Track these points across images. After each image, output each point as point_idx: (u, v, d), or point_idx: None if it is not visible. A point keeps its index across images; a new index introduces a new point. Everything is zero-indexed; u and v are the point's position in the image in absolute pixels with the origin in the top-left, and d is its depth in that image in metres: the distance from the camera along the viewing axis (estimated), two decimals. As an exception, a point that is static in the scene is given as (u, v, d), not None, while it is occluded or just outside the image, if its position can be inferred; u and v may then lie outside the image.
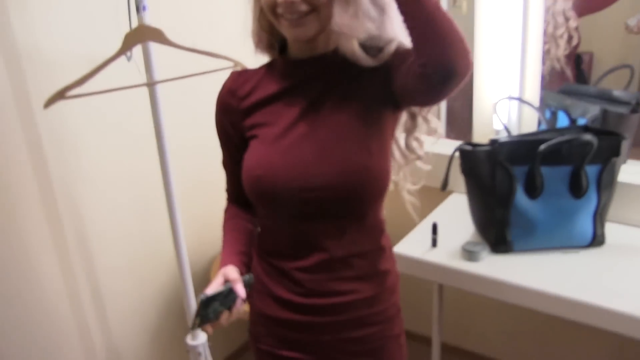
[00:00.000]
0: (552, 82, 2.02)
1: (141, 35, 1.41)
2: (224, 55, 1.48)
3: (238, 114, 1.11)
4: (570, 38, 2.16)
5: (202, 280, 2.08)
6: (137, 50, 1.44)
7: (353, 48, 1.00)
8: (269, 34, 1.08)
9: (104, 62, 1.38)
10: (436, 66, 0.86)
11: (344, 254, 1.07)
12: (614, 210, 1.57)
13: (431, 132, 1.17)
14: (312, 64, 1.06)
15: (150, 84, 1.48)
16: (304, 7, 0.96)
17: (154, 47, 1.45)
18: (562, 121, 1.76)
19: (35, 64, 1.53)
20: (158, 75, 1.48)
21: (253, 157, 1.07)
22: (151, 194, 1.83)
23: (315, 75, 1.06)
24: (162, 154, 1.55)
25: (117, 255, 1.84)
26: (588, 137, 1.38)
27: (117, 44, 1.39)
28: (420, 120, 1.15)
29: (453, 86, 0.88)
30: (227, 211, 1.22)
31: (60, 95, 1.35)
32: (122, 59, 1.41)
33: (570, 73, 2.15)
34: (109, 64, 1.38)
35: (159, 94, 1.50)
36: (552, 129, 1.61)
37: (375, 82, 1.04)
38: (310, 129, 1.04)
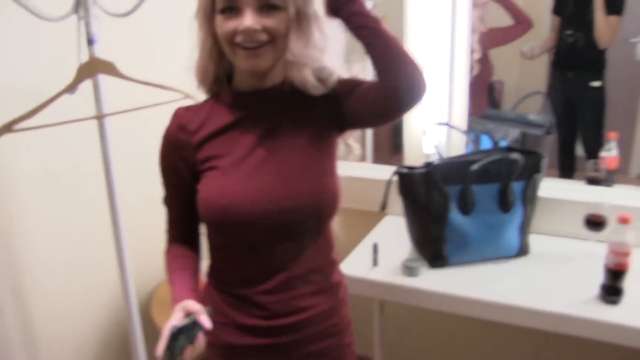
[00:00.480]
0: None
1: (94, 68, 1.44)
2: (174, 87, 1.52)
3: (189, 149, 1.11)
4: (471, 69, 2.36)
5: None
6: (85, 83, 1.46)
7: (305, 77, 1.08)
8: (217, 66, 1.11)
9: (55, 94, 1.40)
10: (408, 86, 1.02)
11: (303, 271, 1.13)
12: (536, 222, 1.73)
13: (352, 156, 1.27)
14: (263, 95, 1.11)
15: (100, 117, 1.50)
16: (263, 37, 1.01)
17: (103, 79, 1.48)
18: (485, 144, 1.93)
19: None
20: (107, 108, 1.50)
21: (214, 187, 1.08)
22: (97, 226, 1.82)
23: (266, 106, 1.11)
24: (110, 184, 1.56)
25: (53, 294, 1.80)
26: (514, 155, 1.54)
27: (63, 78, 1.41)
28: (342, 146, 1.22)
29: (420, 100, 1.04)
30: (169, 251, 1.19)
31: (7, 128, 1.34)
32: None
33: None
34: (60, 96, 1.40)
35: (108, 127, 1.52)
36: (479, 151, 1.77)
37: (322, 108, 1.12)
38: (268, 154, 1.09)
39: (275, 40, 1.02)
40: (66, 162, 1.76)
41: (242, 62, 1.04)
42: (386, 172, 1.75)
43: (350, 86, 1.11)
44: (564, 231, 1.79)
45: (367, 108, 1.09)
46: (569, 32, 2.43)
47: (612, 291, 1.41)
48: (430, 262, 1.66)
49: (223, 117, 1.12)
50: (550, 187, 1.79)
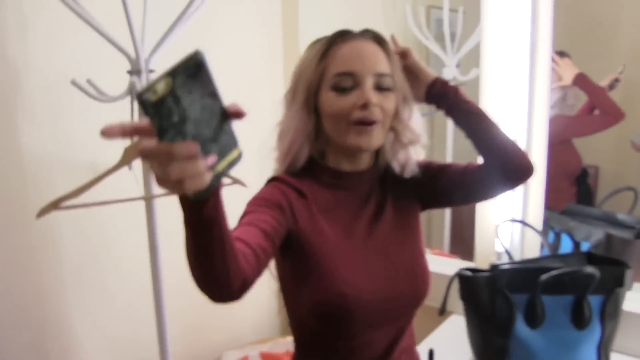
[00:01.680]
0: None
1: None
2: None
3: (299, 209, 1.03)
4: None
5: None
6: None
7: (410, 157, 1.12)
8: (311, 146, 1.07)
9: (101, 174, 1.39)
10: (517, 166, 1.10)
11: (399, 354, 1.12)
12: (619, 339, 1.52)
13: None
14: (361, 176, 1.11)
15: (148, 198, 1.50)
16: (380, 115, 1.02)
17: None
18: (566, 244, 1.76)
19: (38, 167, 1.57)
20: (156, 190, 1.48)
21: (331, 275, 1.00)
22: (140, 306, 1.80)
23: (366, 187, 1.12)
24: (155, 267, 1.53)
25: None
26: (590, 270, 1.37)
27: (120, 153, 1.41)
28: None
29: (526, 179, 1.13)
30: None
31: (54, 205, 1.35)
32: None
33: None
34: (106, 177, 1.39)
35: (157, 207, 1.51)
36: (554, 255, 1.60)
37: (409, 188, 1.15)
38: (375, 238, 1.09)
39: (385, 121, 1.04)
40: (112, 240, 1.78)
41: (354, 140, 1.02)
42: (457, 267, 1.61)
43: (435, 166, 1.16)
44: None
45: (464, 188, 1.14)
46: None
47: None
48: (491, 376, 1.49)
49: (324, 196, 1.08)
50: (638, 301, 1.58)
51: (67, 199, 1.35)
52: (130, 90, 1.41)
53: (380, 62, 1.03)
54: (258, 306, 2.17)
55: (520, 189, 1.76)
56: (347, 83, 1.01)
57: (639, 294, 1.60)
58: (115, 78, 1.45)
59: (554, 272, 1.38)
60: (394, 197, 1.14)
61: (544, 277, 1.40)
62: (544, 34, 1.66)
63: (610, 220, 1.74)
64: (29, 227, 1.56)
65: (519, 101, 1.71)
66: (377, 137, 1.03)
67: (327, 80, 1.02)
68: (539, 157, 1.72)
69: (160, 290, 1.53)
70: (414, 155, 1.12)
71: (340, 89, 1.01)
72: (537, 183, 1.73)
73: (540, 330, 1.44)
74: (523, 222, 1.74)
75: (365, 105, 0.99)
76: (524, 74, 1.70)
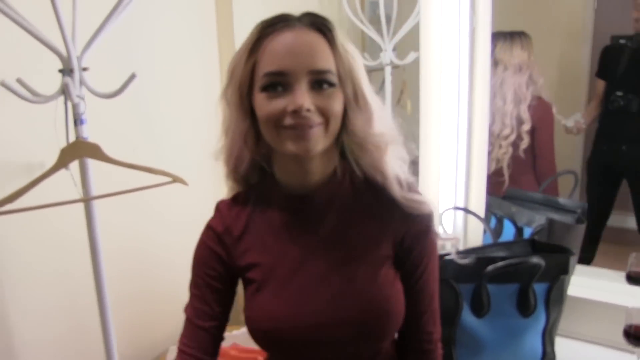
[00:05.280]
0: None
1: (77, 151, 1.36)
2: (163, 170, 1.43)
3: (233, 255, 1.03)
4: (520, 140, 2.20)
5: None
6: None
7: (384, 164, 0.96)
8: (253, 153, 0.99)
9: (37, 177, 1.32)
10: None
11: None
12: (565, 323, 1.54)
13: None
14: (313, 196, 0.99)
15: (87, 200, 1.42)
16: (317, 119, 0.89)
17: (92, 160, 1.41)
18: (508, 229, 1.76)
19: None
20: (95, 189, 1.42)
21: (258, 309, 1.00)
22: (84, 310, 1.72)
23: (322, 204, 0.99)
24: (96, 265, 1.45)
25: None
26: (535, 260, 1.36)
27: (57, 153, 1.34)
28: None
29: None
30: None
31: None
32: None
33: (506, 174, 2.17)
34: (43, 180, 1.33)
35: (95, 209, 1.43)
36: (499, 243, 1.59)
37: (387, 222, 1.00)
38: (320, 269, 0.98)
39: (329, 122, 0.91)
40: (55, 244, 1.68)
41: (288, 146, 0.90)
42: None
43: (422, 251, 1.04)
44: (598, 337, 1.58)
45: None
46: (619, 93, 2.23)
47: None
48: (438, 366, 1.48)
49: (269, 217, 1.02)
50: (581, 285, 1.60)
51: (4, 204, 1.28)
52: (63, 90, 1.31)
53: (319, 57, 0.89)
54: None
55: (462, 176, 1.74)
56: (278, 84, 0.89)
57: (581, 278, 1.61)
58: (48, 77, 1.35)
59: (499, 264, 1.38)
60: (362, 217, 1.00)
61: (490, 268, 1.39)
62: (483, 15, 1.64)
63: (551, 205, 1.75)
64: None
65: (460, 85, 1.69)
66: (317, 141, 0.90)
67: (257, 80, 0.91)
68: (480, 142, 1.71)
69: (103, 286, 1.47)
70: (387, 162, 0.97)
71: (270, 90, 0.89)
72: (478, 170, 1.72)
73: (486, 319, 1.44)
74: (466, 210, 1.73)
75: (296, 111, 0.87)
76: (464, 56, 1.67)
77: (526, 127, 2.19)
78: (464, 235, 1.79)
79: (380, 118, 0.97)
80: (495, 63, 2.17)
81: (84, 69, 1.35)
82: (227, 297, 1.06)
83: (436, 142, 1.74)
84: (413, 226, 1.01)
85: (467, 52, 1.66)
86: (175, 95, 1.95)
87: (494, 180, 2.21)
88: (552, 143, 2.25)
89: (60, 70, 1.33)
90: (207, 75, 2.10)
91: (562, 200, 1.75)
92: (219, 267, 1.03)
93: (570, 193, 1.88)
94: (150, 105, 1.88)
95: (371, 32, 2.22)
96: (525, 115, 2.19)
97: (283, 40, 0.89)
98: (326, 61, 0.90)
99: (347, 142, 0.97)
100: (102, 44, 1.36)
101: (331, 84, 0.90)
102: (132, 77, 1.34)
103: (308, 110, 0.87)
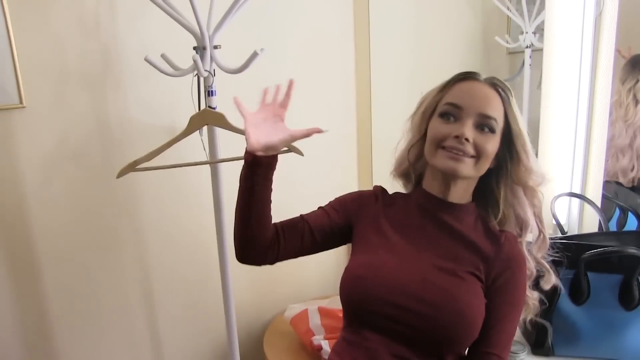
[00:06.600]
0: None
1: (204, 118, 1.53)
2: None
3: (370, 213, 1.21)
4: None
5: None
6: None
7: (527, 215, 1.14)
8: (410, 165, 1.21)
9: (170, 140, 1.51)
10: None
11: None
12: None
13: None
14: (448, 207, 1.14)
15: (212, 162, 1.59)
16: (471, 151, 1.07)
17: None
18: (632, 222, 1.67)
19: (126, 132, 1.75)
20: (222, 153, 1.58)
21: (361, 258, 1.16)
22: (208, 265, 1.94)
23: (446, 219, 1.14)
24: (219, 225, 1.63)
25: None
26: (633, 250, 1.31)
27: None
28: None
29: None
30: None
31: (131, 167, 1.49)
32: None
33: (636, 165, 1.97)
34: (174, 143, 1.51)
35: (222, 171, 1.60)
36: (609, 232, 1.53)
37: (490, 261, 1.11)
38: (422, 262, 1.11)
39: (479, 158, 1.08)
40: (183, 204, 1.91)
41: (439, 162, 1.09)
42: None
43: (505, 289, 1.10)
44: None
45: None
46: None
47: None
48: (532, 348, 1.49)
49: (407, 213, 1.19)
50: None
51: (141, 162, 1.48)
52: (194, 68, 1.49)
53: (490, 106, 1.08)
54: (322, 265, 2.24)
55: (579, 162, 1.68)
56: (453, 113, 1.09)
57: None
58: (185, 53, 1.53)
59: (597, 251, 1.34)
60: (467, 245, 1.12)
61: (587, 254, 1.36)
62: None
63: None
64: (114, 184, 1.70)
65: (583, 69, 1.63)
66: (465, 167, 1.07)
67: (439, 107, 1.12)
68: (600, 128, 1.64)
69: (224, 245, 1.65)
70: (531, 216, 1.14)
71: (445, 117, 1.10)
72: (596, 157, 1.65)
73: (585, 307, 1.41)
74: (579, 196, 1.67)
75: (458, 137, 1.05)
76: (587, 40, 1.62)
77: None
78: (578, 224, 1.74)
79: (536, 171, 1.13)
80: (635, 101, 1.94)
81: (216, 47, 1.51)
82: (330, 237, 1.22)
83: (555, 126, 1.70)
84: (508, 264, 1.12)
85: (591, 37, 1.61)
86: (311, 77, 2.03)
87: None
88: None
89: (195, 48, 1.49)
90: (343, 56, 2.12)
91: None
92: (353, 211, 1.22)
93: None
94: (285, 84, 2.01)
95: (512, 14, 2.17)
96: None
97: (468, 85, 1.12)
98: (494, 110, 1.09)
99: (503, 187, 1.14)
100: (233, 23, 1.49)
101: (492, 130, 1.08)
102: (255, 54, 1.46)
103: (467, 139, 1.06)
